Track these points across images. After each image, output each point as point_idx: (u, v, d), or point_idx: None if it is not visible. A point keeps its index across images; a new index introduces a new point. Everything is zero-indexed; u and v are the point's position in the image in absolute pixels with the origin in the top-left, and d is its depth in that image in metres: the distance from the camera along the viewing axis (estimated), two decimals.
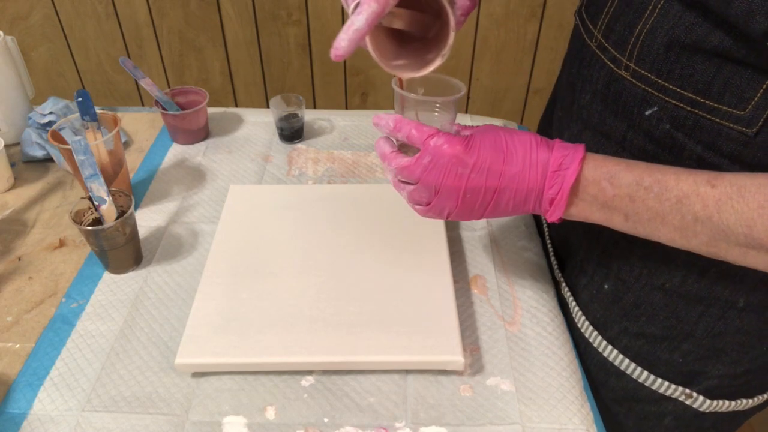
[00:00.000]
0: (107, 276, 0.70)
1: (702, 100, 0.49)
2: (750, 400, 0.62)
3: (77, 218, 0.68)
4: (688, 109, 0.50)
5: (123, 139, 0.93)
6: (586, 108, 0.59)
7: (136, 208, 0.80)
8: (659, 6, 0.50)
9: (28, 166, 0.88)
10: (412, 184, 0.53)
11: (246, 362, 0.59)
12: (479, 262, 0.72)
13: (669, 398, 0.62)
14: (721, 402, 0.61)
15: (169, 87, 1.70)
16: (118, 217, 0.67)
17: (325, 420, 0.56)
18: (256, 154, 0.90)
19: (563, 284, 0.69)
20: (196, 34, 1.60)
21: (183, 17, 1.57)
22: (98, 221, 0.68)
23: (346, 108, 1.72)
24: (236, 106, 1.74)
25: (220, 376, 0.60)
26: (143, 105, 1.77)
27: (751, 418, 0.67)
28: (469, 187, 0.50)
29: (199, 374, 0.60)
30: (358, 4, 0.46)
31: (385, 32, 0.53)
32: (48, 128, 0.86)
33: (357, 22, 0.45)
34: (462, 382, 0.59)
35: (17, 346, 0.63)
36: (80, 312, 0.66)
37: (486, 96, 1.70)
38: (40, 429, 0.55)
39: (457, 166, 0.50)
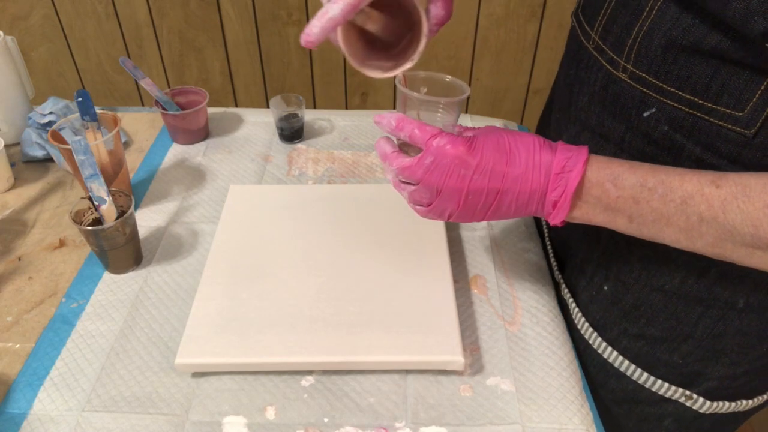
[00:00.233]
0: (107, 276, 0.70)
1: (700, 102, 0.49)
2: (750, 401, 0.62)
3: (77, 218, 0.68)
4: (687, 110, 0.49)
5: (123, 139, 0.93)
6: (584, 110, 0.59)
7: (136, 208, 0.80)
8: (656, 8, 0.50)
9: (28, 166, 0.88)
10: (413, 184, 0.52)
11: (246, 362, 0.59)
12: (479, 262, 0.72)
13: (669, 400, 0.62)
14: (721, 403, 0.61)
15: (169, 87, 1.70)
16: (118, 217, 0.67)
17: (325, 420, 0.56)
18: (256, 154, 0.90)
19: (563, 285, 0.69)
20: (196, 34, 1.60)
21: (183, 17, 1.57)
22: (98, 221, 0.68)
23: (346, 108, 1.72)
24: (236, 106, 1.74)
25: (220, 376, 0.60)
26: (143, 105, 1.77)
27: (751, 418, 0.66)
28: (472, 189, 0.50)
29: (199, 374, 0.60)
30: None
31: (357, 33, 0.52)
32: (48, 128, 0.86)
33: (332, 10, 0.45)
34: (462, 382, 0.59)
35: (17, 346, 0.63)
36: (80, 312, 0.66)
37: (486, 96, 1.70)
38: (40, 429, 0.55)
39: (460, 168, 0.49)
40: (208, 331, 0.61)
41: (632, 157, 0.53)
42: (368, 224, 0.73)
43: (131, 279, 0.70)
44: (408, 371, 0.60)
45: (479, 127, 0.53)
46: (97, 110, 0.76)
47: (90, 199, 0.67)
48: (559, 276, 0.71)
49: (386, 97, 1.71)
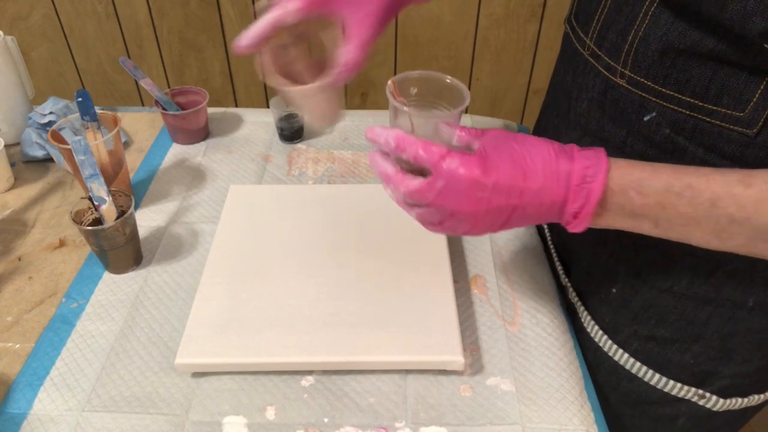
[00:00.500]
0: (107, 276, 0.70)
1: (700, 104, 0.49)
2: (762, 395, 0.62)
3: (77, 218, 0.68)
4: (687, 113, 0.49)
5: (123, 139, 0.93)
6: (584, 115, 0.59)
7: (136, 208, 0.80)
8: (650, 13, 0.50)
9: (28, 166, 0.88)
10: (422, 206, 0.49)
11: (246, 362, 0.59)
12: (479, 262, 0.72)
13: (682, 399, 0.61)
14: (734, 400, 0.61)
15: (169, 87, 1.70)
16: (118, 217, 0.67)
17: (325, 420, 0.56)
18: (256, 154, 0.90)
19: (570, 289, 0.69)
20: (196, 34, 1.60)
21: (183, 17, 1.57)
22: (98, 221, 0.68)
23: (346, 108, 1.72)
24: (236, 106, 1.74)
25: (220, 376, 0.60)
26: (143, 105, 1.77)
27: (751, 420, 0.67)
28: (489, 209, 0.47)
29: (199, 374, 0.60)
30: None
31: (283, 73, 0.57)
32: (48, 128, 0.86)
33: (259, 22, 0.52)
34: (462, 382, 0.59)
35: (17, 346, 0.63)
36: (80, 312, 0.66)
37: (486, 96, 1.70)
38: (40, 429, 0.55)
39: (476, 191, 0.46)
40: (208, 331, 0.61)
41: None
42: (368, 224, 0.73)
43: (131, 279, 0.70)
44: (408, 371, 0.60)
45: (483, 130, 0.50)
46: (97, 110, 0.76)
47: (90, 199, 0.67)
48: (566, 280, 0.70)
49: (386, 97, 1.71)
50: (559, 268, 0.72)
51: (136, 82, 1.70)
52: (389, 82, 0.53)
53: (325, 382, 0.59)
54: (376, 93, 1.70)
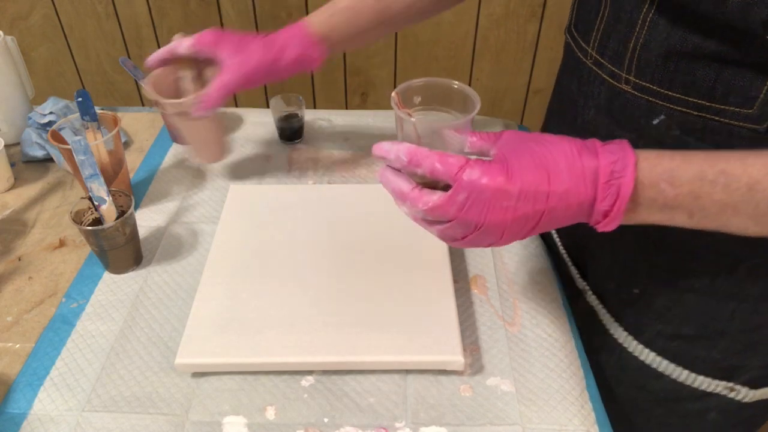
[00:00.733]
0: (107, 276, 0.70)
1: (708, 104, 0.49)
2: None
3: (77, 218, 0.68)
4: (696, 113, 0.49)
5: (123, 139, 0.93)
6: (592, 122, 0.59)
7: (136, 208, 0.80)
8: (647, 21, 0.51)
9: (28, 166, 0.88)
10: (443, 221, 0.47)
11: (246, 362, 0.59)
12: (479, 262, 0.72)
13: (711, 394, 0.61)
14: (763, 390, 0.61)
15: None
16: (118, 217, 0.67)
17: (325, 420, 0.56)
18: (256, 154, 0.90)
19: (589, 292, 0.69)
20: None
21: (183, 17, 1.57)
22: (98, 221, 0.68)
23: (346, 108, 1.72)
24: (236, 106, 1.74)
25: (220, 376, 0.60)
26: (143, 105, 1.77)
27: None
28: (516, 217, 0.44)
29: (199, 374, 0.60)
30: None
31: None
32: (48, 128, 0.86)
33: (162, 48, 0.70)
34: (462, 382, 0.59)
35: (17, 346, 0.63)
36: (80, 312, 0.66)
37: (486, 96, 1.70)
38: (40, 429, 0.55)
39: (501, 200, 0.43)
40: (208, 331, 0.61)
41: None
42: (368, 224, 0.73)
43: (131, 279, 0.70)
44: (408, 371, 0.60)
45: (496, 134, 0.48)
46: (97, 110, 0.76)
47: (90, 199, 0.67)
48: (583, 283, 0.70)
49: (386, 97, 1.71)
50: (575, 271, 0.71)
51: (136, 82, 1.70)
52: (393, 94, 0.51)
53: (325, 382, 0.59)
54: (376, 93, 1.70)
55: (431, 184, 0.47)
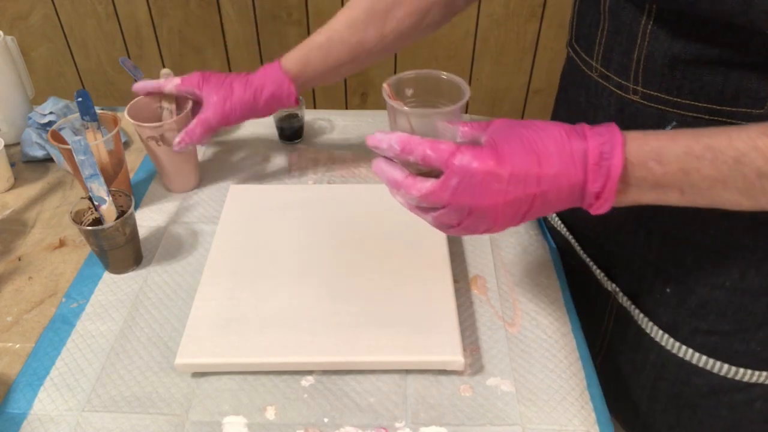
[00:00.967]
0: (107, 276, 0.70)
1: (718, 108, 0.48)
2: None
3: (77, 218, 0.68)
4: (707, 117, 0.49)
5: (123, 139, 0.93)
6: None
7: (136, 208, 0.80)
8: (648, 32, 0.51)
9: (28, 166, 0.88)
10: (437, 208, 0.48)
11: (246, 362, 0.59)
12: (479, 262, 0.72)
13: (755, 384, 0.61)
14: None
15: None
16: (118, 217, 0.67)
17: (325, 420, 0.56)
18: (256, 154, 0.90)
19: (620, 294, 0.69)
20: (196, 34, 1.60)
21: (183, 17, 1.57)
22: (98, 221, 0.68)
23: (346, 108, 1.72)
24: None
25: (220, 376, 0.60)
26: None
27: None
28: (508, 201, 0.45)
29: (199, 374, 0.60)
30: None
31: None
32: (48, 128, 0.86)
33: (151, 82, 0.78)
34: (462, 382, 0.59)
35: (17, 346, 0.63)
36: (80, 312, 0.66)
37: (486, 96, 1.70)
38: (40, 429, 0.55)
39: (492, 183, 0.44)
40: (208, 331, 0.61)
41: None
42: (368, 224, 0.73)
43: (131, 279, 0.70)
44: (408, 371, 0.60)
45: (487, 123, 0.49)
46: (97, 110, 0.76)
47: (90, 199, 0.67)
48: (613, 285, 0.70)
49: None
50: (600, 274, 0.71)
51: (136, 82, 1.70)
52: (384, 85, 0.52)
53: (325, 382, 0.59)
54: (376, 93, 1.70)
55: (425, 174, 0.47)
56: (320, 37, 0.73)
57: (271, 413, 0.56)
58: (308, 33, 1.58)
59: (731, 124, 0.48)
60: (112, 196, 0.67)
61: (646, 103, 0.53)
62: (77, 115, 0.75)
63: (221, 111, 0.73)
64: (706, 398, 0.65)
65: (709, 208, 0.55)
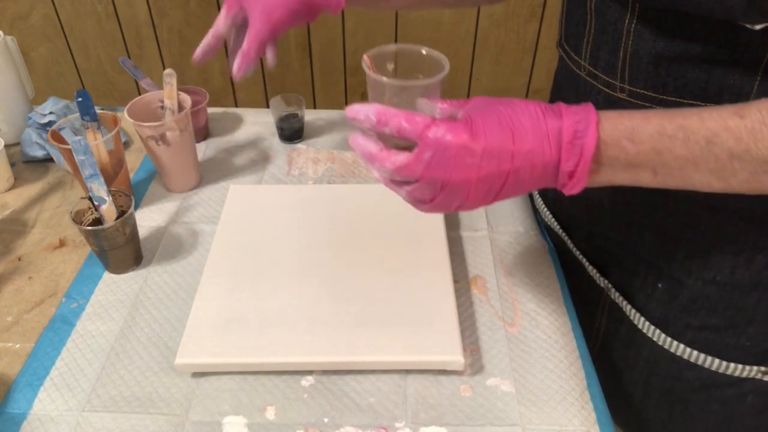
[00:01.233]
0: (107, 276, 0.70)
1: (703, 104, 0.49)
2: None
3: (77, 218, 0.68)
4: None
5: (123, 139, 0.93)
6: None
7: (136, 208, 0.80)
8: (632, 31, 0.51)
9: (28, 166, 0.88)
10: (411, 182, 0.47)
11: (246, 362, 0.59)
12: (479, 262, 0.72)
13: (747, 379, 0.62)
14: None
15: None
16: (118, 217, 0.67)
17: (325, 420, 0.56)
18: (256, 154, 0.90)
19: (613, 290, 0.69)
20: (196, 34, 1.60)
21: (183, 17, 1.57)
22: (98, 221, 0.68)
23: (346, 103, 1.72)
24: (236, 106, 1.74)
25: (220, 376, 0.60)
26: None
27: None
28: (481, 176, 0.44)
29: (199, 374, 0.60)
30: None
31: None
32: (48, 128, 0.86)
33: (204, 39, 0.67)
34: (462, 382, 0.59)
35: (17, 346, 0.63)
36: (80, 312, 0.66)
37: (486, 96, 1.70)
38: (40, 429, 0.55)
39: (465, 157, 0.44)
40: (208, 331, 0.61)
41: None
42: (368, 224, 0.73)
43: (131, 279, 0.70)
44: (408, 371, 0.60)
45: (466, 100, 0.48)
46: (97, 110, 0.76)
47: (90, 199, 0.67)
48: (605, 282, 0.70)
49: None
50: (594, 271, 0.72)
51: (136, 82, 1.70)
52: (364, 56, 0.52)
53: (325, 382, 0.59)
54: None
55: (404, 149, 0.47)
56: None
57: (271, 413, 0.56)
58: (308, 33, 1.58)
59: None
60: (112, 196, 0.67)
61: (632, 100, 0.54)
62: (77, 115, 0.75)
63: (271, 20, 0.66)
64: (697, 393, 0.65)
65: (696, 202, 0.56)
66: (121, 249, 0.68)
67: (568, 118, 0.44)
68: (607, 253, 0.69)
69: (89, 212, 0.69)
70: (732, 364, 0.61)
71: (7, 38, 0.89)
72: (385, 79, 0.50)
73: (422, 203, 0.48)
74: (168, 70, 0.79)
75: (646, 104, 0.53)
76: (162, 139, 0.76)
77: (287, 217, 0.75)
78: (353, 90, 1.70)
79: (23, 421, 0.56)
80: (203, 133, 0.93)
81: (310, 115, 0.98)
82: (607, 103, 0.57)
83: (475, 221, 0.78)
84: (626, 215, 0.63)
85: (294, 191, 0.80)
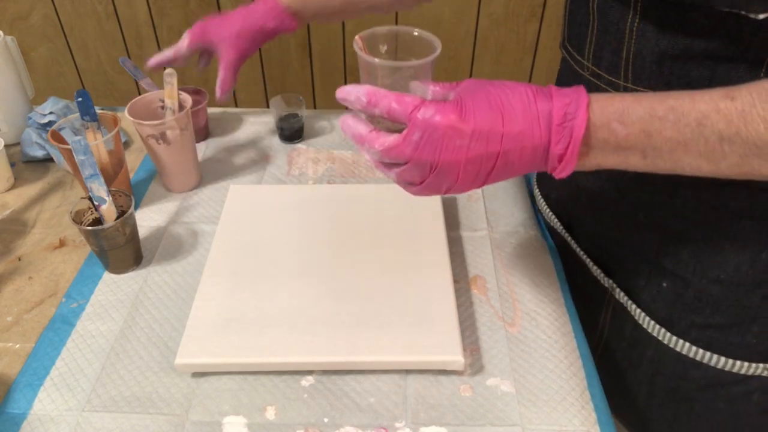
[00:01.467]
0: (107, 276, 0.70)
1: None
2: None
3: (77, 218, 0.68)
4: None
5: (123, 139, 0.93)
6: None
7: (136, 208, 0.80)
8: (634, 30, 0.51)
9: (28, 166, 0.88)
10: (400, 164, 0.47)
11: (246, 362, 0.59)
12: (479, 262, 0.72)
13: (753, 376, 0.62)
14: None
15: None
16: (118, 217, 0.67)
17: (325, 420, 0.56)
18: (256, 154, 0.90)
19: (617, 289, 0.69)
20: None
21: (183, 17, 1.57)
22: (98, 221, 0.68)
23: (346, 108, 1.72)
24: (236, 106, 1.74)
25: (220, 376, 0.60)
26: None
27: None
28: (470, 158, 0.44)
29: (199, 374, 0.60)
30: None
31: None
32: (48, 128, 0.86)
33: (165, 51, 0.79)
34: (462, 382, 0.59)
35: (17, 346, 0.63)
36: (80, 312, 0.66)
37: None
38: (40, 429, 0.55)
39: (454, 138, 0.44)
40: (208, 331, 0.61)
41: None
42: (368, 224, 0.73)
43: (131, 279, 0.70)
44: (408, 371, 0.60)
45: (458, 82, 0.48)
46: (97, 110, 0.76)
47: (90, 199, 0.67)
48: (610, 281, 0.70)
49: None
50: (598, 271, 0.71)
51: (136, 82, 1.70)
52: (356, 37, 0.52)
53: (325, 382, 0.59)
54: None
55: (394, 130, 0.47)
56: None
57: (271, 413, 0.56)
58: (308, 33, 1.58)
59: None
60: (112, 196, 0.67)
61: None
62: (77, 115, 0.75)
63: (238, 49, 0.79)
64: (703, 391, 0.65)
65: (701, 201, 0.55)
66: (121, 249, 0.68)
67: (558, 100, 0.44)
68: (611, 253, 0.69)
69: (89, 212, 0.69)
70: (738, 362, 0.61)
71: (7, 38, 0.89)
72: (376, 60, 0.50)
73: (412, 185, 0.48)
74: (168, 70, 0.79)
75: None
76: (162, 138, 0.76)
77: (287, 217, 0.75)
78: None
79: (23, 421, 0.56)
80: (203, 133, 0.93)
81: (310, 115, 0.98)
82: None
83: (475, 221, 0.78)
84: (630, 215, 0.63)
85: (294, 191, 0.80)
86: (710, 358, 0.62)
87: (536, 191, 0.83)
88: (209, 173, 0.86)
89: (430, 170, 0.46)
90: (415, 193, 0.49)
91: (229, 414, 0.56)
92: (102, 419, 0.56)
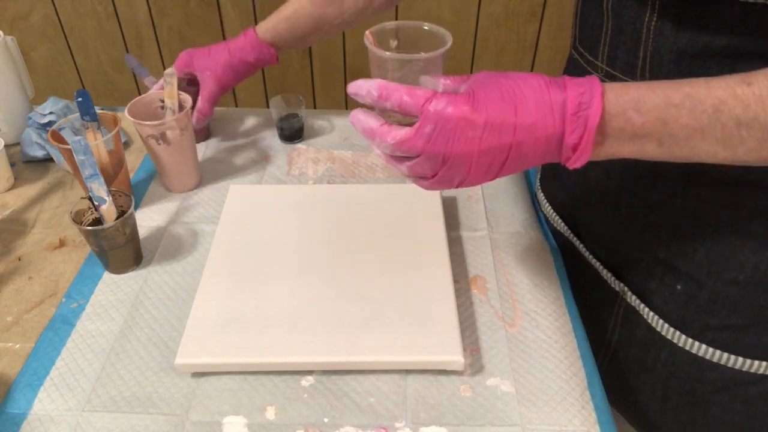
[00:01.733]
0: (107, 276, 0.70)
1: None
2: None
3: (77, 218, 0.68)
4: None
5: (123, 139, 0.93)
6: None
7: (136, 208, 0.80)
8: (652, 29, 0.51)
9: (28, 166, 0.88)
10: (412, 157, 0.47)
11: (246, 362, 0.59)
12: (479, 262, 0.72)
13: None
14: None
15: None
16: (118, 217, 0.67)
17: (325, 420, 0.56)
18: (256, 154, 0.90)
19: (629, 293, 0.68)
20: (196, 34, 1.60)
21: (183, 17, 1.57)
22: (98, 221, 0.68)
23: (346, 108, 1.72)
24: (236, 106, 1.74)
25: (220, 376, 0.60)
26: None
27: None
28: (483, 149, 0.44)
29: (199, 374, 0.60)
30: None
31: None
32: (48, 128, 0.86)
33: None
34: (462, 382, 0.59)
35: (17, 346, 0.63)
36: (80, 312, 0.66)
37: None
38: (40, 429, 0.55)
39: (466, 130, 0.43)
40: (208, 331, 0.61)
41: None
42: (368, 224, 0.73)
43: (131, 279, 0.70)
44: (408, 371, 0.60)
45: (469, 75, 0.48)
46: (97, 110, 0.76)
47: (90, 199, 0.67)
48: (621, 285, 0.69)
49: None
50: (608, 275, 0.71)
51: (136, 83, 1.70)
52: (367, 32, 0.52)
53: (325, 382, 0.59)
54: None
55: (405, 124, 0.47)
56: (287, 11, 0.81)
57: (271, 413, 0.56)
58: None
59: None
60: (112, 196, 0.67)
61: None
62: (77, 115, 0.75)
63: (219, 82, 0.84)
64: (720, 393, 0.64)
65: (716, 201, 0.55)
66: (121, 249, 0.68)
67: (572, 90, 0.43)
68: (622, 255, 0.68)
69: (89, 212, 0.69)
70: (756, 362, 0.60)
71: (7, 38, 0.89)
72: (387, 53, 0.50)
73: (424, 179, 0.48)
74: (169, 70, 0.79)
75: None
76: (162, 138, 0.76)
77: (287, 216, 0.75)
78: None
79: (23, 421, 0.56)
80: (203, 133, 0.93)
81: (310, 115, 0.98)
82: None
83: (475, 221, 0.78)
84: (642, 216, 0.62)
85: (294, 191, 0.80)
86: (728, 359, 0.61)
87: (540, 194, 0.83)
88: (209, 173, 0.86)
89: (443, 163, 0.45)
90: (426, 187, 0.49)
91: (229, 414, 0.56)
92: (102, 419, 0.56)
